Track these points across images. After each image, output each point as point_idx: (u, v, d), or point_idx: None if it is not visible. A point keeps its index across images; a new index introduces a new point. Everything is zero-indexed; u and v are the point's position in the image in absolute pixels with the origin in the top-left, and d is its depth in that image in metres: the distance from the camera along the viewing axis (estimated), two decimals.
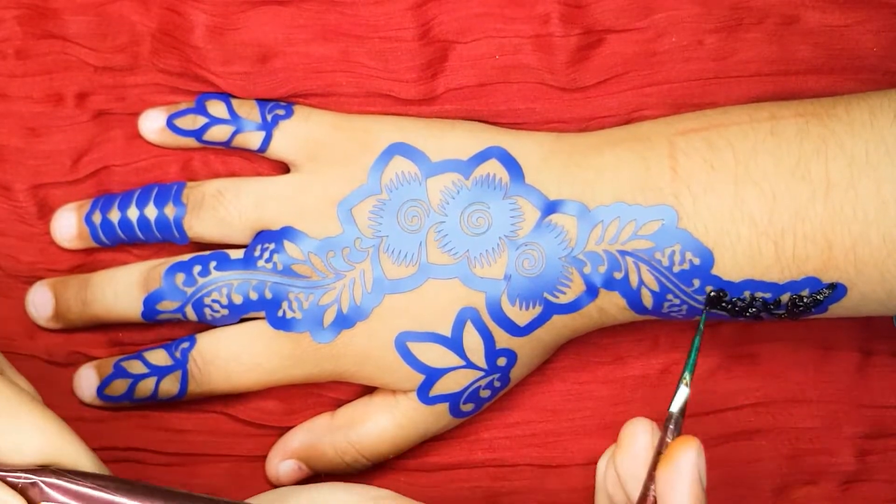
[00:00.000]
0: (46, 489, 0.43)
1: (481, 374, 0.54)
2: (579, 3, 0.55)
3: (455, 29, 0.55)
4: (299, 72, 0.56)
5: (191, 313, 0.56)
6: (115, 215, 0.56)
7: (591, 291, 0.53)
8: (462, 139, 0.55)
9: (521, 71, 0.55)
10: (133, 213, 0.56)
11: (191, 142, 0.57)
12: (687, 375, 0.47)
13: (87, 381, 0.57)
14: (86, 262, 0.58)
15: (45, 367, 0.58)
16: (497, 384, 0.55)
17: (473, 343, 0.54)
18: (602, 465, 0.48)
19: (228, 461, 0.58)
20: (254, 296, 0.55)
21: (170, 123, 0.57)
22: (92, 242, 0.57)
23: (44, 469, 0.43)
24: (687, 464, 0.45)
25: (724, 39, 0.55)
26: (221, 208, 0.55)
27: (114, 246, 0.58)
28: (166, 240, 0.56)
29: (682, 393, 0.47)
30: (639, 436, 0.46)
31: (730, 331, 0.58)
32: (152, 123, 0.57)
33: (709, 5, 0.55)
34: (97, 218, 0.57)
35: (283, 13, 0.56)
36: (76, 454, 0.44)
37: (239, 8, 0.56)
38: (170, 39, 0.56)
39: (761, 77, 0.55)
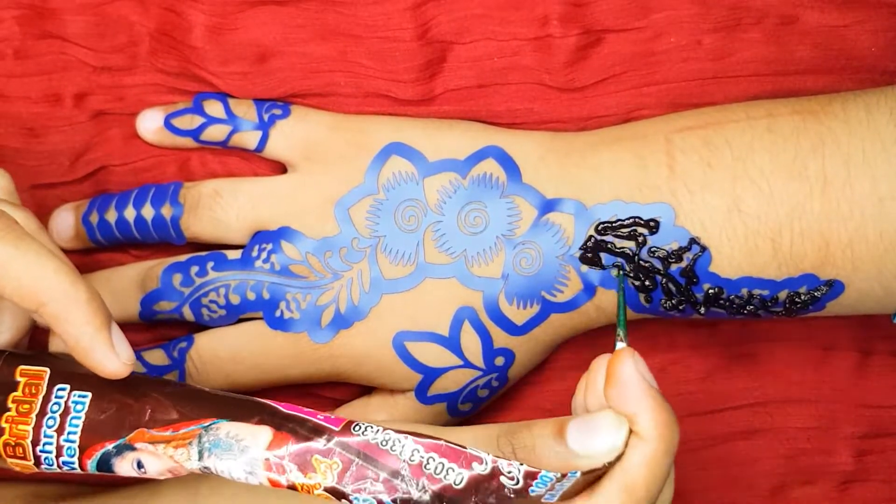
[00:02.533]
0: None
1: (479, 373, 0.54)
2: (578, 2, 0.55)
3: (454, 30, 0.55)
4: (298, 71, 0.56)
5: (188, 314, 0.56)
6: (111, 215, 0.56)
7: (589, 290, 0.53)
8: (459, 139, 0.55)
9: (519, 72, 0.56)
10: (130, 214, 0.56)
11: (188, 142, 0.57)
12: (621, 332, 0.46)
13: None
14: (85, 262, 0.58)
15: None
16: (495, 384, 0.55)
17: (471, 342, 0.54)
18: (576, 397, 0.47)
19: None
20: (251, 296, 0.55)
21: (167, 123, 0.57)
22: (89, 243, 0.57)
23: None
24: (626, 371, 0.44)
25: (722, 39, 0.55)
26: (218, 208, 0.55)
27: (111, 246, 0.58)
28: (163, 240, 0.56)
29: (620, 346, 0.46)
30: (600, 376, 0.45)
31: (728, 330, 0.58)
32: (150, 123, 0.57)
33: (707, 5, 0.55)
34: (94, 218, 0.57)
35: (282, 13, 0.56)
36: None
37: (237, 8, 0.56)
38: (168, 39, 0.56)
39: (760, 77, 0.55)
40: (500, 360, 0.54)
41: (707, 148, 0.52)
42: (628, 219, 0.52)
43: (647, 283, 0.52)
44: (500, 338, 0.54)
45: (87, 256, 0.58)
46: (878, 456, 0.59)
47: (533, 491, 0.41)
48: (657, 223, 0.51)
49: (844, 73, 0.55)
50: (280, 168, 0.57)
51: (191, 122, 0.57)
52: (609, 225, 0.52)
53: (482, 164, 0.54)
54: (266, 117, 0.56)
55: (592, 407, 0.45)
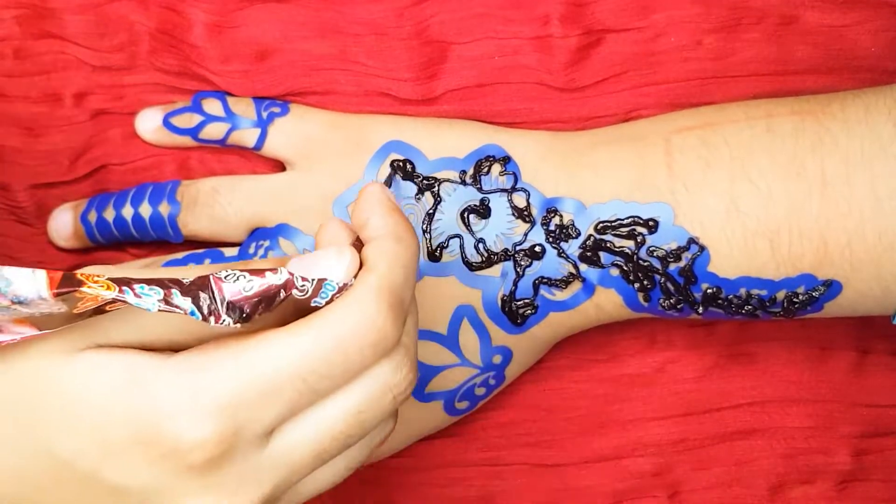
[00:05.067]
0: None
1: (476, 371, 0.54)
2: (579, 2, 0.55)
3: (454, 29, 0.55)
4: (298, 69, 0.56)
5: None
6: (110, 214, 0.56)
7: (588, 289, 0.53)
8: (458, 137, 0.55)
9: (519, 71, 0.56)
10: (128, 212, 0.56)
11: (187, 140, 0.57)
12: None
13: None
14: (84, 261, 0.58)
15: None
16: (492, 382, 0.55)
17: (469, 341, 0.54)
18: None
19: None
20: None
21: (166, 122, 0.57)
22: (88, 241, 0.57)
23: None
24: (369, 188, 0.46)
25: (722, 39, 0.55)
26: (216, 206, 0.55)
27: (110, 244, 0.58)
28: (161, 238, 0.56)
29: None
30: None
31: (726, 330, 0.58)
32: (149, 122, 0.57)
33: (708, 5, 0.55)
34: (93, 217, 0.57)
35: (281, 11, 0.56)
36: None
37: (237, 6, 0.56)
38: (168, 38, 0.56)
39: (760, 77, 0.55)
40: (497, 359, 0.54)
41: (706, 148, 0.52)
42: (627, 218, 0.52)
43: (645, 282, 0.52)
44: (499, 336, 0.54)
45: (86, 256, 0.58)
46: (877, 455, 0.59)
47: (315, 302, 0.42)
48: (656, 223, 0.51)
49: (845, 73, 0.56)
50: (279, 166, 0.57)
51: (189, 120, 0.57)
52: (608, 224, 0.52)
53: (482, 162, 0.54)
54: (265, 115, 0.56)
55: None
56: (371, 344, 0.42)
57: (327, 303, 0.42)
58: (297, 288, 0.42)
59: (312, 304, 0.42)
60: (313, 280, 0.42)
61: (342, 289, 0.42)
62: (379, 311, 0.42)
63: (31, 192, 0.58)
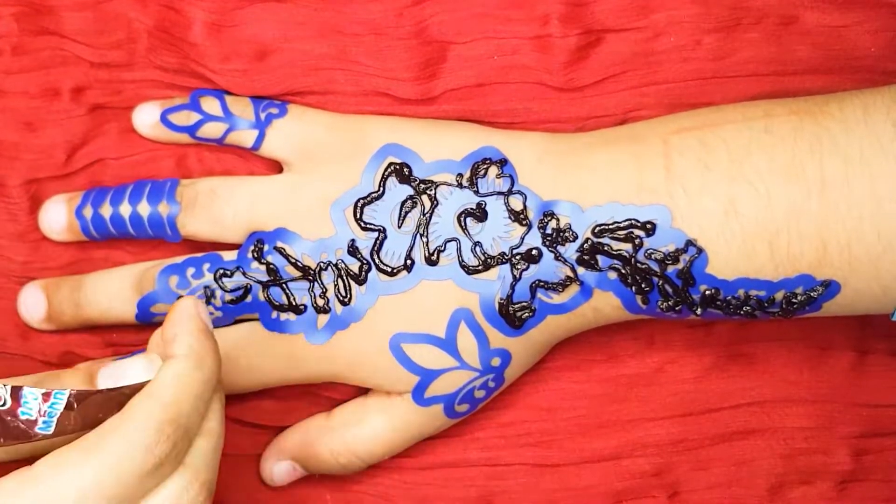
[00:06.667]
0: None
1: (476, 374, 0.54)
2: (579, 2, 0.55)
3: (453, 29, 0.55)
4: (297, 69, 0.56)
5: None
6: (106, 210, 0.56)
7: (586, 292, 0.53)
8: (456, 140, 0.55)
9: (518, 71, 0.56)
10: (125, 210, 0.56)
11: (184, 137, 0.57)
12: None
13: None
14: (79, 259, 0.58)
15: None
16: (491, 384, 0.55)
17: (467, 344, 0.54)
18: None
19: (225, 459, 0.58)
20: (247, 298, 0.55)
21: (163, 118, 0.57)
22: (82, 236, 0.57)
23: None
24: (181, 304, 0.47)
25: (722, 39, 0.55)
26: (215, 207, 0.55)
27: (104, 240, 0.57)
28: (158, 237, 0.56)
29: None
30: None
31: (725, 330, 0.58)
32: (146, 117, 0.57)
33: (708, 5, 0.55)
34: (88, 212, 0.56)
35: (280, 10, 0.56)
36: None
37: (236, 5, 0.56)
38: (167, 36, 0.56)
39: (759, 77, 0.55)
40: (496, 361, 0.54)
41: (704, 149, 0.51)
42: (625, 221, 0.52)
43: (643, 285, 0.52)
44: (497, 339, 0.54)
45: (82, 253, 0.58)
46: (877, 455, 0.59)
47: (24, 413, 0.41)
48: (654, 225, 0.51)
49: (844, 74, 0.56)
50: (277, 165, 0.57)
51: (187, 118, 0.57)
52: (606, 227, 0.52)
53: (479, 165, 0.54)
54: (263, 116, 0.56)
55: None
56: (149, 472, 0.43)
57: (40, 413, 0.42)
58: None
59: (21, 416, 0.41)
60: (7, 387, 0.41)
61: (46, 398, 0.41)
62: (158, 441, 0.43)
63: (25, 188, 0.57)
